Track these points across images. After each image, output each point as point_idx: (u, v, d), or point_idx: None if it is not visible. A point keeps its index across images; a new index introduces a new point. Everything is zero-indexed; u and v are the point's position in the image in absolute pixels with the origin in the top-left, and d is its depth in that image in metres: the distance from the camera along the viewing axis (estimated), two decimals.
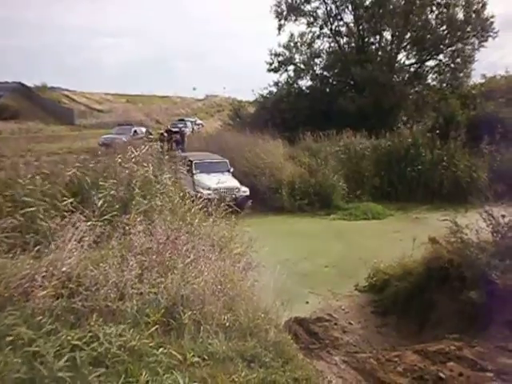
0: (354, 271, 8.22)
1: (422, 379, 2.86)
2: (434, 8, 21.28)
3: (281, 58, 24.53)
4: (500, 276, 4.31)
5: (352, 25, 23.09)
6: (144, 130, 28.65)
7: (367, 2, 22.31)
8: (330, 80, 24.42)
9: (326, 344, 5.07)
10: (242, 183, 13.53)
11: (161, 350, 2.72)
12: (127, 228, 4.33)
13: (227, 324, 3.13)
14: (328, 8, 22.99)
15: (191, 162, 13.50)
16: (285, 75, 24.83)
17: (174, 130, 24.48)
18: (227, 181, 13.07)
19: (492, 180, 14.46)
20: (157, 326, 3.01)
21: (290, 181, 13.75)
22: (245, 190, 13.14)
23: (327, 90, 24.01)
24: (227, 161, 14.32)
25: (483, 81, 23.35)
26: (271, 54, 24.57)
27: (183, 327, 3.03)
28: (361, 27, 22.87)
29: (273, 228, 11.39)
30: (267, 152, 14.62)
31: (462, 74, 22.02)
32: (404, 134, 17.59)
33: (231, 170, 14.13)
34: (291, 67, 24.67)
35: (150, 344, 2.84)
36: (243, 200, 12.11)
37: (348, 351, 4.44)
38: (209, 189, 12.23)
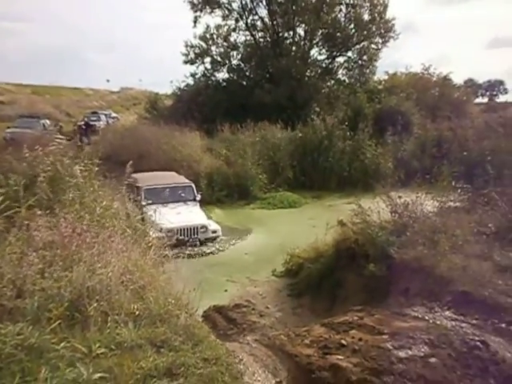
0: (272, 257, 8.48)
1: (326, 347, 3.06)
2: (343, 7, 22.49)
3: (197, 50, 24.29)
4: (397, 251, 4.75)
5: (267, 19, 23.52)
6: (49, 122, 26.65)
7: None
8: (247, 73, 24.70)
9: (243, 328, 5.19)
10: None
11: (63, 344, 2.58)
12: (27, 223, 4.05)
13: (137, 313, 3.06)
14: (243, 2, 23.19)
15: (138, 188, 9.85)
16: (201, 67, 24.69)
17: (91, 123, 23.37)
18: (191, 216, 9.80)
19: (396, 167, 15.70)
20: (60, 321, 2.86)
21: (208, 172, 13.75)
22: (215, 230, 9.81)
23: (244, 82, 24.27)
24: (193, 185, 10.89)
25: (386, 77, 25.34)
26: (187, 46, 24.26)
27: (89, 319, 2.90)
28: (275, 22, 23.37)
29: None
30: (184, 144, 14.44)
31: (368, 71, 23.62)
32: (317, 125, 18.42)
33: (198, 197, 10.67)
34: (208, 59, 24.58)
35: (52, 340, 2.69)
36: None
37: (263, 333, 4.57)
38: (161, 230, 8.15)
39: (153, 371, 2.52)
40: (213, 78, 24.74)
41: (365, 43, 23.23)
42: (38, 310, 2.94)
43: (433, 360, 2.82)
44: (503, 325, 3.29)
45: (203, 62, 24.59)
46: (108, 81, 68.80)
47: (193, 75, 24.71)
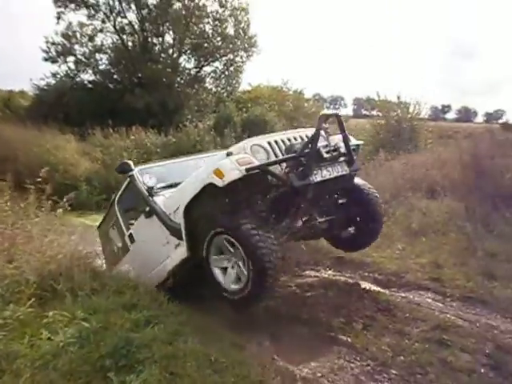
0: None
1: None
2: (210, 20, 23.81)
3: (59, 48, 22.96)
4: None
5: (136, 24, 23.51)
6: None
7: (150, 4, 23.16)
8: (115, 76, 24.26)
9: None
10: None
11: (51, 313, 3.05)
12: None
13: (98, 288, 3.61)
14: (111, 3, 22.78)
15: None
16: (64, 67, 23.39)
17: None
18: None
19: None
20: (33, 299, 3.26)
21: (86, 177, 13.50)
22: None
23: (112, 86, 23.80)
24: None
25: (250, 88, 27.59)
26: (47, 42, 22.75)
27: (61, 295, 3.36)
28: (144, 27, 23.53)
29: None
30: (58, 147, 13.86)
31: (234, 81, 25.43)
32: (190, 131, 19.31)
33: None
34: (71, 59, 23.42)
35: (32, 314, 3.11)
36: None
37: None
38: None
39: (136, 322, 3.17)
40: (77, 79, 23.69)
41: (231, 56, 24.96)
42: (8, 291, 3.29)
43: (329, 293, 4.17)
44: (366, 273, 4.81)
45: (66, 62, 23.37)
46: None
47: (54, 75, 23.29)
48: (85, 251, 4.52)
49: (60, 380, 2.63)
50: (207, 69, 25.35)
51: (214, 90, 25.88)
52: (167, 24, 23.40)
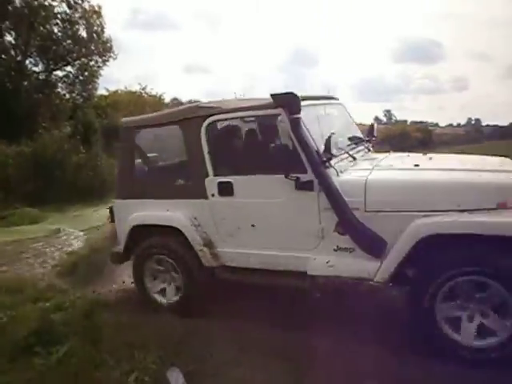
0: None
1: None
2: (59, 22, 22.53)
3: None
4: None
5: None
6: None
7: None
8: None
9: None
10: None
11: None
12: None
13: None
14: None
15: None
16: None
17: None
18: None
19: None
20: None
21: None
22: None
23: None
24: None
25: (107, 94, 26.86)
26: None
27: None
28: None
29: None
30: None
31: (90, 87, 24.46)
32: (46, 139, 18.17)
33: None
34: None
35: None
36: None
37: None
38: None
39: (46, 311, 3.52)
40: None
41: (84, 60, 23.99)
42: None
43: None
44: None
45: None
46: None
47: None
48: None
49: None
50: (59, 73, 23.94)
51: (67, 95, 24.52)
52: (7, 23, 21.43)
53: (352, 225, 3.17)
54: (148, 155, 4.85)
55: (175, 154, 4.96)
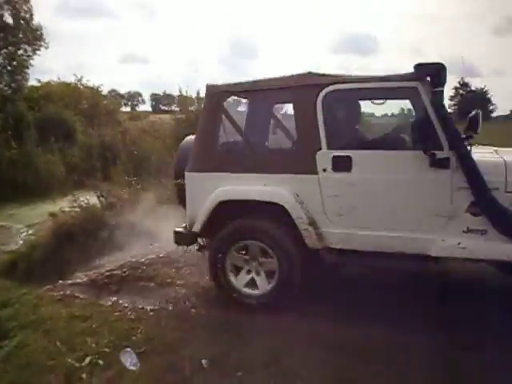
0: None
1: None
2: None
3: None
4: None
5: None
6: None
7: None
8: None
9: None
10: None
11: None
12: None
13: None
14: None
15: None
16: None
17: None
18: None
19: (68, 172, 16.94)
20: None
21: None
22: None
23: None
24: None
25: (39, 85, 25.41)
26: None
27: None
28: None
29: None
30: None
31: (20, 77, 22.97)
32: None
33: None
34: None
35: None
36: None
37: None
38: None
39: None
40: None
41: (12, 48, 22.50)
42: None
43: None
44: None
45: None
46: None
47: None
48: None
49: None
50: None
51: None
52: None
53: (492, 205, 3.09)
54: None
55: (274, 125, 4.58)
